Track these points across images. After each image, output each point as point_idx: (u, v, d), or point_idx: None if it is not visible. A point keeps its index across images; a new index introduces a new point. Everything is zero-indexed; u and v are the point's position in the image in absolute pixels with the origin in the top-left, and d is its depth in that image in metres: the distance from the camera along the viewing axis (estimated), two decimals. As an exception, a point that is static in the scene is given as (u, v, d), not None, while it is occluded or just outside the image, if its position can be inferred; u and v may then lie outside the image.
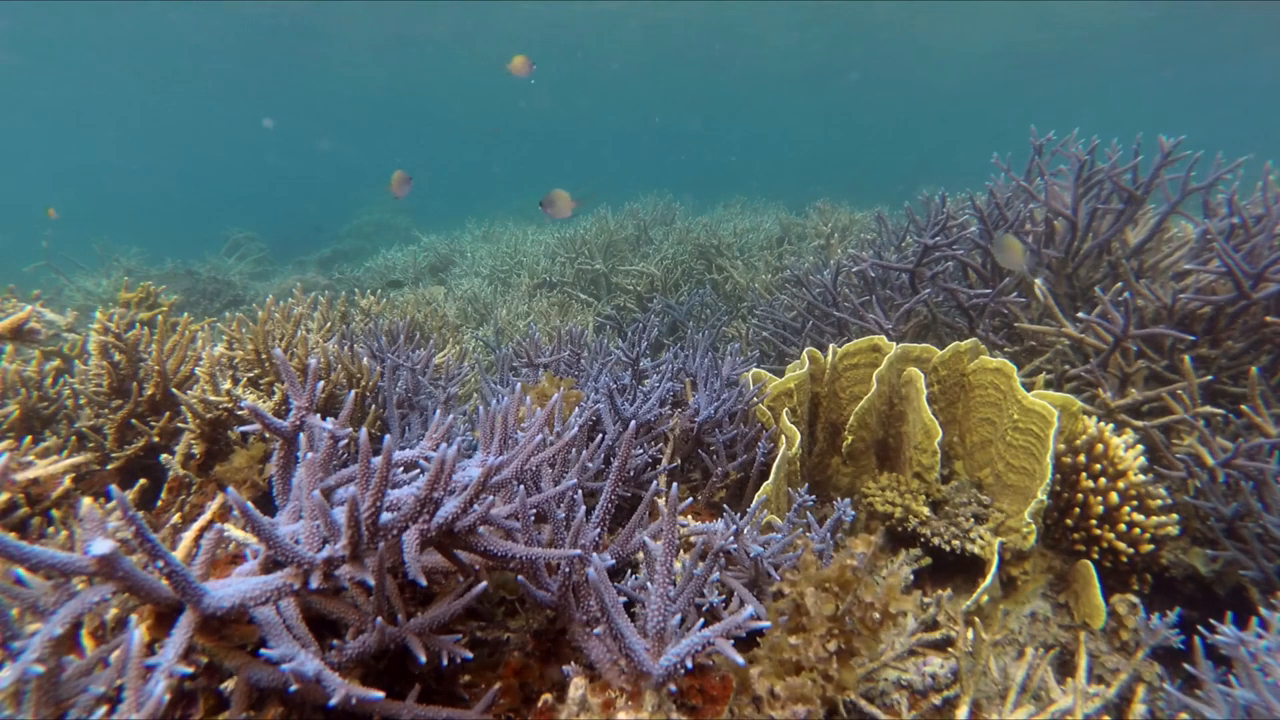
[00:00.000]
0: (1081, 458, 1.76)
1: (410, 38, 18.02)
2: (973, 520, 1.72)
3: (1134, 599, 1.60)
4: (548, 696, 0.96)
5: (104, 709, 0.78)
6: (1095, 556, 1.70)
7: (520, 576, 0.98)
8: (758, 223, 6.13)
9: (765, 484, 1.57)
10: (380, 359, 2.02)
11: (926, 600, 1.49)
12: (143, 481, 1.59)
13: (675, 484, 1.00)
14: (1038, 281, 2.31)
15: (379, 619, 0.87)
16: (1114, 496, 1.68)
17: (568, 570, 1.00)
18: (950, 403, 1.98)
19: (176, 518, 1.52)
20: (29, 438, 1.64)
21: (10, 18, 14.36)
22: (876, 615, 1.02)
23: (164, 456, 1.65)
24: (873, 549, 1.09)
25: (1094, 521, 1.71)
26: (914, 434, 1.81)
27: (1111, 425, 1.81)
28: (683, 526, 1.43)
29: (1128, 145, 2.29)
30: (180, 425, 1.66)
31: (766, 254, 4.97)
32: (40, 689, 0.76)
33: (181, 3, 13.79)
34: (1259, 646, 1.17)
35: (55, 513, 1.43)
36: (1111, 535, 1.68)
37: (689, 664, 0.90)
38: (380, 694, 0.80)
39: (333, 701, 0.77)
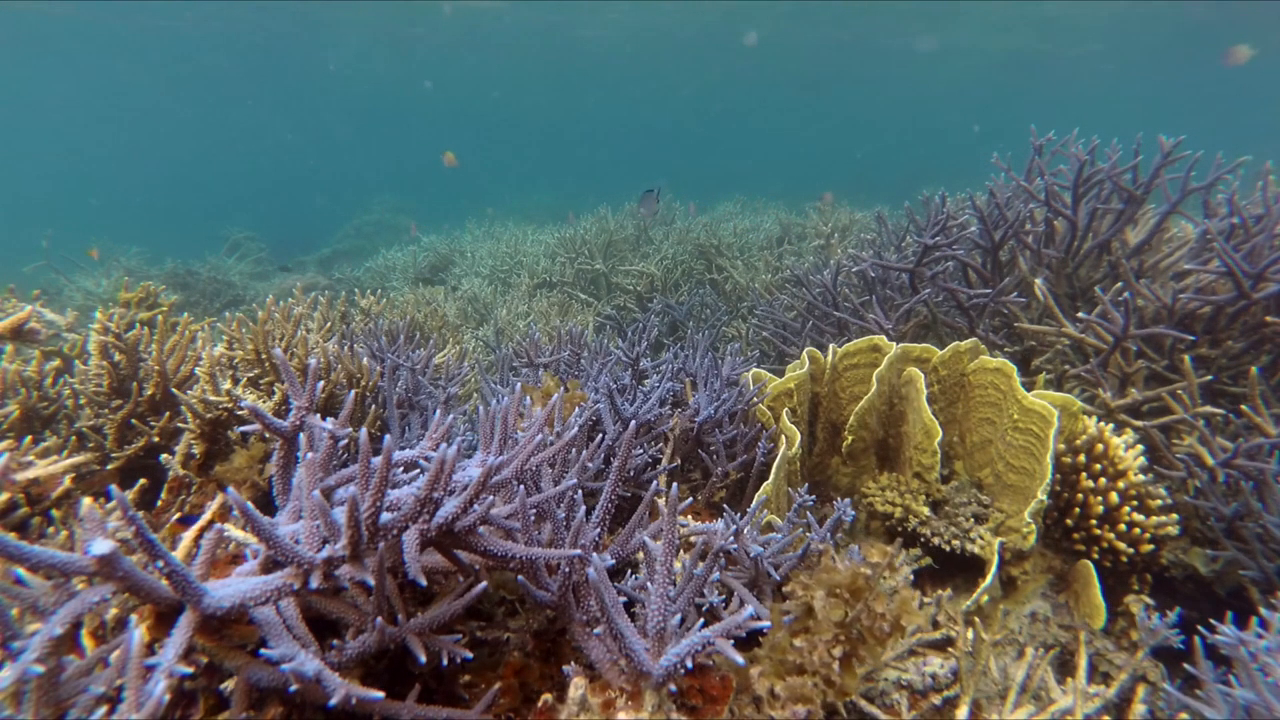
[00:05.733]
0: (1081, 458, 1.76)
1: (411, 38, 18.02)
2: (973, 520, 1.72)
3: (1149, 599, 1.60)
4: (548, 696, 0.96)
5: (104, 709, 0.78)
6: (1095, 556, 1.70)
7: (520, 576, 0.98)
8: (758, 223, 6.13)
9: (765, 484, 1.57)
10: (380, 359, 2.02)
11: (927, 600, 1.49)
12: (143, 481, 1.59)
13: (675, 484, 1.00)
14: (1038, 281, 2.31)
15: (379, 619, 0.87)
16: (1114, 496, 1.68)
17: (568, 570, 1.00)
18: (950, 403, 1.98)
19: (176, 518, 1.52)
20: (29, 438, 1.64)
21: (10, 17, 14.36)
22: (886, 626, 1.02)
23: (164, 456, 1.65)
24: (889, 560, 1.08)
25: (1094, 521, 1.71)
26: (914, 434, 1.81)
27: (1111, 425, 1.81)
28: (683, 526, 1.43)
29: (1128, 145, 2.29)
30: (180, 425, 1.66)
31: (766, 254, 4.97)
32: (40, 689, 0.76)
33: (182, 2, 13.79)
34: (1259, 646, 1.17)
35: (55, 513, 1.43)
36: (1111, 535, 1.68)
37: (689, 664, 0.90)
38: (380, 694, 0.80)
39: (332, 701, 0.77)
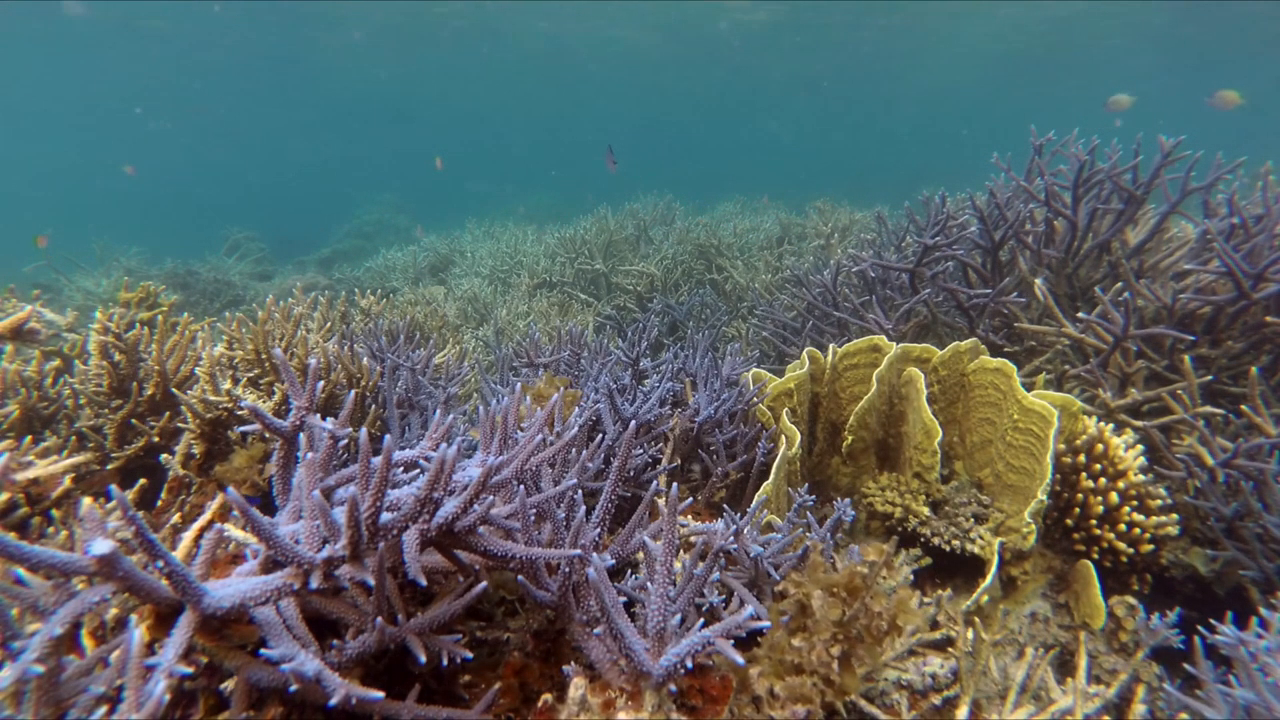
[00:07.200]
0: (1081, 458, 1.76)
1: (412, 37, 18.04)
2: (973, 520, 1.72)
3: (1132, 600, 1.60)
4: (548, 696, 0.96)
5: (104, 709, 0.78)
6: (1095, 556, 1.70)
7: (520, 576, 0.98)
8: (757, 223, 6.13)
9: (765, 484, 1.57)
10: (380, 359, 2.02)
11: (926, 600, 1.49)
12: (143, 481, 1.59)
13: (675, 484, 1.00)
14: (1038, 281, 2.31)
15: (379, 619, 0.87)
16: (1114, 496, 1.68)
17: (568, 570, 1.00)
18: (950, 403, 1.98)
19: (176, 518, 1.52)
20: (29, 438, 1.64)
21: (10, 17, 14.37)
22: (884, 625, 1.02)
23: (164, 456, 1.65)
24: (885, 558, 1.08)
25: (1094, 521, 1.71)
26: (914, 434, 1.81)
27: (1111, 425, 1.81)
28: (683, 526, 1.43)
29: (1128, 145, 2.29)
30: (180, 425, 1.66)
31: (766, 254, 4.97)
32: (40, 689, 0.76)
33: (181, 1, 13.80)
34: (1259, 646, 1.17)
35: (55, 513, 1.43)
36: (1111, 535, 1.68)
37: (689, 664, 0.90)
38: (380, 694, 0.80)
39: (332, 701, 0.77)
